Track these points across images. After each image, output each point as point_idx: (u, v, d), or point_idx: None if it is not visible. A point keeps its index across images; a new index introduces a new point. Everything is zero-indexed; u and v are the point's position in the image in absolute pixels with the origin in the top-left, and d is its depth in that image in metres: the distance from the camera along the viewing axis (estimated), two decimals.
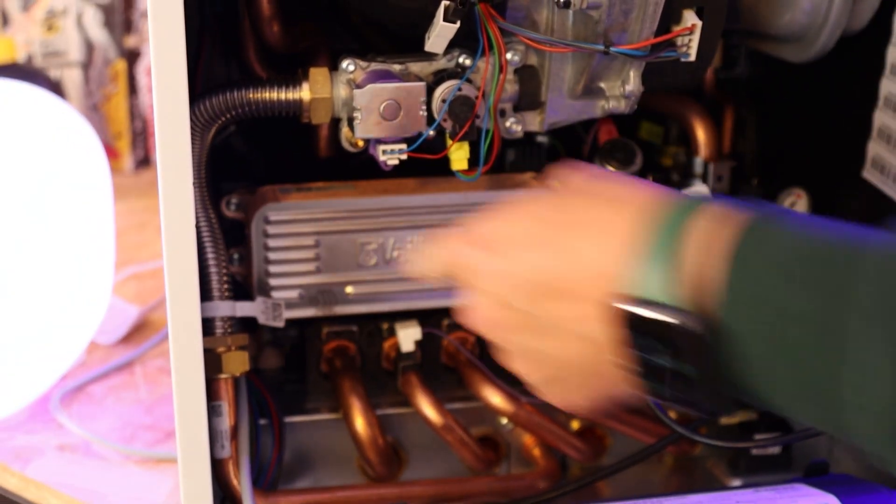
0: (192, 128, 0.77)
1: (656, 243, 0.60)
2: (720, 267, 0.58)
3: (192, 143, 0.78)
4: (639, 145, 1.02)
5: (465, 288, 0.71)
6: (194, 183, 0.77)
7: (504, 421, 1.03)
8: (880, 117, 0.95)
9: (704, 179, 1.04)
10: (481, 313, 0.70)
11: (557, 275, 0.65)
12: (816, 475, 0.89)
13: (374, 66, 0.85)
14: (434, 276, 0.76)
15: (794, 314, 0.55)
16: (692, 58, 0.84)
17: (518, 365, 0.70)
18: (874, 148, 0.97)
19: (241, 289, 0.97)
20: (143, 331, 1.29)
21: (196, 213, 0.79)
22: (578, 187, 0.69)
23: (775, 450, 1.03)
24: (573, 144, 1.05)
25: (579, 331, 0.64)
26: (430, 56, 0.84)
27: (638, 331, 0.61)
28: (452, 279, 0.72)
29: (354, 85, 0.83)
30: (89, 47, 1.65)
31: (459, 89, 0.83)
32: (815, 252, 0.56)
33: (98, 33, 1.65)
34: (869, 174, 0.97)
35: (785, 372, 0.56)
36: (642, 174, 1.03)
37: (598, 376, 0.66)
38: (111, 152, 1.64)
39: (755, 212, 0.60)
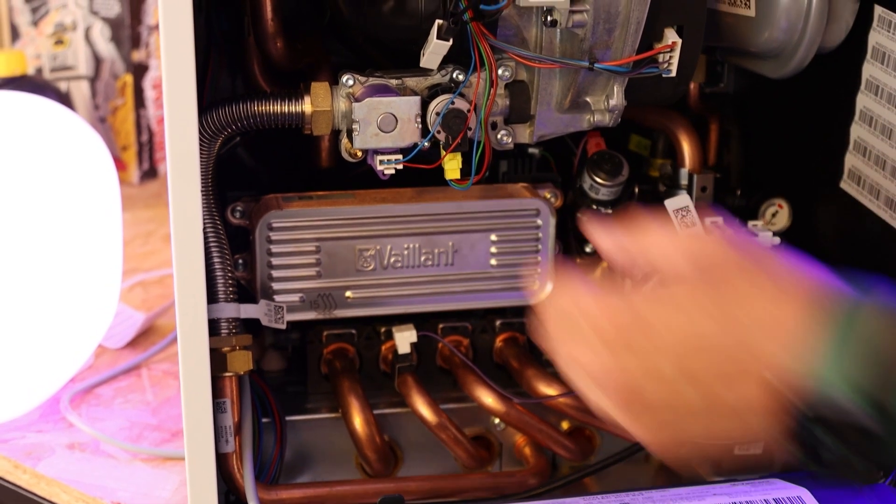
0: (199, 139, 0.79)
1: (833, 340, 0.60)
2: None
3: (200, 154, 0.80)
4: (628, 157, 1.05)
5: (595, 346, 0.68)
6: (202, 191, 0.80)
7: (496, 421, 1.04)
8: (856, 131, 0.98)
9: (689, 190, 1.05)
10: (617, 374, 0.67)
11: (726, 354, 0.64)
12: (791, 471, 0.92)
13: (372, 80, 0.87)
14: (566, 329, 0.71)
15: None
16: (673, 74, 0.87)
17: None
18: (851, 160, 0.99)
19: (246, 292, 0.98)
20: (149, 336, 1.30)
21: (203, 219, 0.81)
22: (733, 269, 0.67)
23: (757, 450, 1.05)
24: (563, 156, 1.07)
25: (735, 409, 0.64)
26: (425, 71, 0.86)
27: (809, 424, 0.61)
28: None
29: (353, 98, 0.86)
30: (97, 61, 1.66)
31: (452, 103, 0.85)
32: None
33: (106, 47, 1.66)
34: (846, 185, 1.00)
35: None
36: (629, 184, 1.06)
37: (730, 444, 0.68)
38: (118, 164, 1.64)
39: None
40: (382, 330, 1.04)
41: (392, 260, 1.00)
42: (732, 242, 0.69)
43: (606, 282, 0.71)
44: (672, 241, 0.70)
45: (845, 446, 0.61)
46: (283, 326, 0.96)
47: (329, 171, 1.03)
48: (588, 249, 1.05)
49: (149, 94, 1.69)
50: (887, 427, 0.59)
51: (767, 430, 0.63)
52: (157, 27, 1.67)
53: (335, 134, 0.89)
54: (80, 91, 1.67)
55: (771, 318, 0.63)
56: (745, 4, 0.93)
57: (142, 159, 1.72)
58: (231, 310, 0.89)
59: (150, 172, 1.73)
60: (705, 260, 0.68)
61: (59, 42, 1.66)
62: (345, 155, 0.90)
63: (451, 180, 0.88)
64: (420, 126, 0.86)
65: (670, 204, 1.00)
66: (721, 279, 0.66)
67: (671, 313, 0.65)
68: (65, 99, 1.61)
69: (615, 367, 0.67)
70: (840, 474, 0.63)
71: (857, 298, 0.62)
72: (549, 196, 1.02)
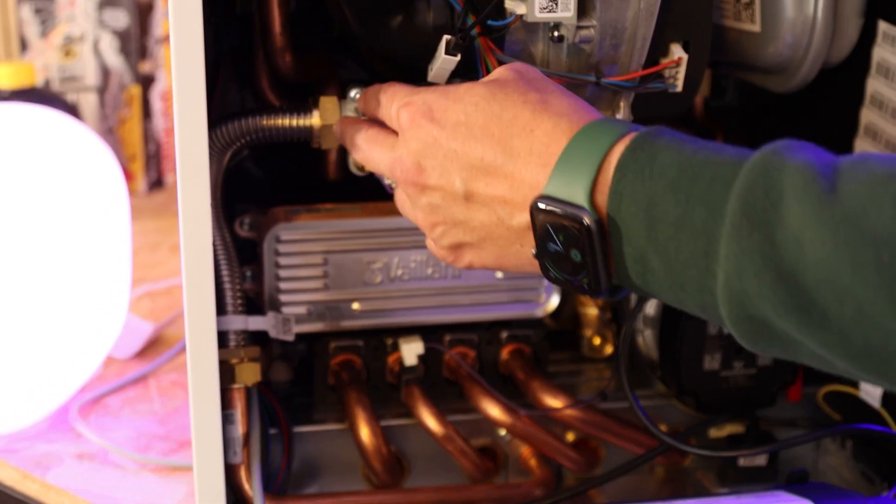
0: (209, 152, 0.80)
1: (581, 162, 0.69)
2: (613, 176, 0.67)
3: (209, 167, 0.81)
4: None
5: (401, 143, 0.77)
6: (211, 204, 0.80)
7: (502, 432, 1.05)
8: (860, 145, 0.99)
9: None
10: (414, 167, 0.76)
11: (498, 166, 0.72)
12: (796, 483, 0.93)
13: None
14: (370, 114, 0.83)
15: (670, 219, 0.64)
16: (679, 88, 0.88)
17: (429, 222, 0.77)
18: None
19: (254, 304, 0.99)
20: (156, 346, 1.30)
21: (212, 232, 0.82)
22: (532, 83, 0.75)
23: (762, 461, 1.06)
24: None
25: (501, 212, 0.73)
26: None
27: (542, 222, 0.70)
28: (388, 125, 0.80)
29: (361, 113, 0.86)
30: (105, 72, 1.67)
31: None
32: (696, 168, 0.64)
33: (114, 59, 1.67)
34: None
35: (659, 264, 0.65)
36: None
37: (504, 252, 0.75)
38: (125, 174, 1.65)
39: (649, 129, 0.69)
40: (389, 341, 1.04)
41: (399, 272, 1.01)
42: (525, 77, 0.76)
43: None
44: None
45: (565, 241, 0.69)
46: (291, 338, 0.97)
47: (336, 183, 1.04)
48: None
49: (156, 105, 1.70)
50: (594, 221, 0.67)
51: (522, 231, 0.73)
52: (164, 39, 1.68)
53: (343, 147, 0.89)
54: (89, 102, 1.68)
55: (543, 147, 0.71)
56: (751, 20, 0.94)
57: (149, 170, 1.72)
58: (239, 322, 0.90)
59: (158, 183, 1.74)
60: (498, 80, 0.76)
61: (68, 54, 1.67)
62: (352, 168, 0.91)
63: None
64: None
65: None
66: (506, 101, 0.74)
67: (458, 120, 0.74)
68: (73, 110, 1.62)
69: (404, 159, 0.77)
70: (567, 277, 0.71)
71: (616, 129, 0.69)
72: None
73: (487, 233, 0.75)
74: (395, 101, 0.80)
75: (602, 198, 0.68)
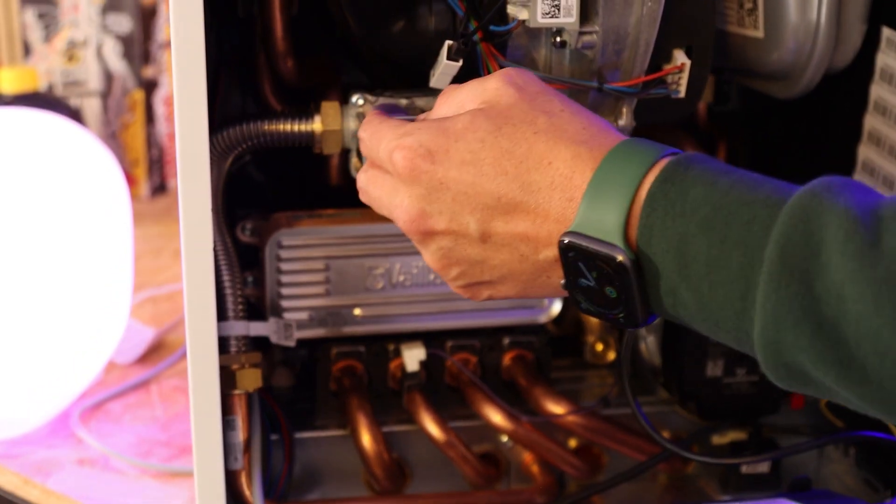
0: (210, 157, 0.80)
1: (611, 196, 0.65)
2: (643, 209, 0.64)
3: (211, 172, 0.80)
4: None
5: (402, 189, 0.72)
6: (212, 209, 0.80)
7: (504, 438, 1.05)
8: (864, 152, 0.98)
9: None
10: (420, 215, 0.71)
11: (518, 203, 0.69)
12: (799, 490, 0.92)
13: (382, 100, 0.87)
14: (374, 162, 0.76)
15: (703, 259, 0.62)
16: (682, 94, 0.87)
17: (444, 267, 0.73)
18: (859, 180, 1.00)
19: (255, 310, 0.99)
20: (158, 351, 1.30)
21: (213, 237, 0.81)
22: (537, 102, 0.71)
23: (765, 468, 1.05)
24: None
25: (524, 249, 0.70)
26: (435, 91, 0.85)
27: (572, 259, 0.67)
28: (386, 172, 0.74)
29: (363, 118, 0.86)
30: (108, 77, 1.67)
31: None
32: (732, 207, 0.62)
33: (117, 64, 1.67)
34: None
35: (692, 300, 0.63)
36: None
37: (529, 285, 0.72)
38: (128, 179, 1.65)
39: (680, 158, 0.66)
40: (391, 347, 1.04)
41: (401, 278, 1.01)
42: (527, 94, 0.72)
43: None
44: (465, 90, 0.74)
45: (599, 277, 0.66)
46: (293, 344, 0.97)
47: (338, 189, 1.03)
48: None
49: (159, 110, 1.70)
50: (627, 258, 0.65)
51: (550, 266, 0.70)
52: (168, 44, 1.68)
53: (345, 153, 0.90)
54: (92, 107, 1.68)
55: (565, 180, 0.67)
56: (754, 25, 0.94)
57: (152, 175, 1.72)
58: (240, 327, 0.90)
59: (161, 188, 1.74)
60: (499, 105, 0.71)
61: (71, 58, 1.67)
62: (354, 174, 0.90)
63: None
64: None
65: None
66: (516, 134, 0.69)
67: (465, 160, 0.70)
68: (76, 115, 1.62)
69: (406, 204, 0.72)
70: (600, 310, 0.68)
71: (643, 156, 0.66)
72: None
73: (509, 270, 0.71)
74: (382, 142, 0.74)
75: (633, 231, 0.65)
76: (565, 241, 0.66)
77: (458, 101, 0.74)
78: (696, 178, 0.64)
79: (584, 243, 0.66)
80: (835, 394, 0.61)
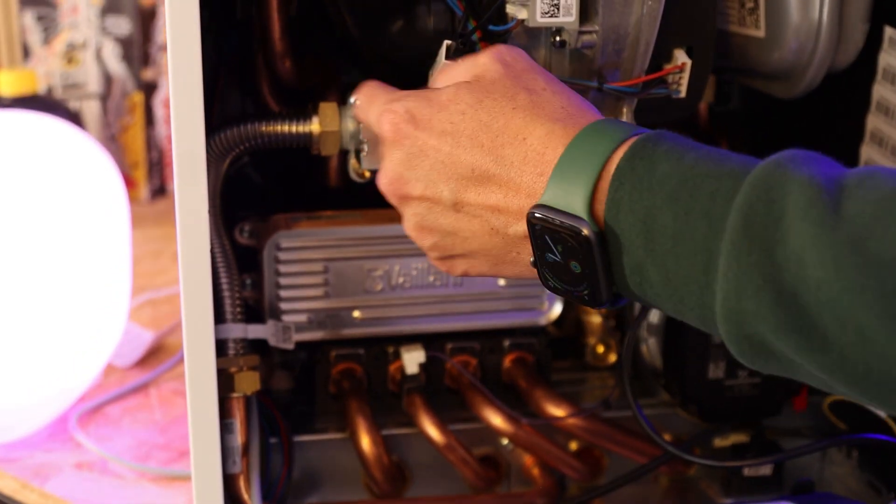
0: (207, 159, 0.79)
1: (578, 170, 0.66)
2: (611, 184, 0.65)
3: (208, 174, 0.80)
4: None
5: (390, 151, 0.75)
6: (209, 211, 0.79)
7: (505, 441, 1.04)
8: (867, 152, 0.98)
9: None
10: (398, 179, 0.75)
11: (491, 175, 0.71)
12: (802, 493, 0.92)
13: None
14: (364, 122, 0.81)
15: (669, 233, 0.62)
16: (682, 94, 0.87)
17: (419, 234, 0.76)
18: None
19: (253, 312, 0.99)
20: (157, 355, 1.30)
21: (211, 239, 0.81)
22: (521, 79, 0.73)
23: (767, 471, 1.05)
24: None
25: (495, 222, 0.72)
26: None
27: (539, 232, 0.68)
28: (375, 134, 0.77)
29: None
30: (108, 79, 1.67)
31: None
32: (697, 180, 0.62)
33: (116, 66, 1.67)
34: None
35: (657, 276, 0.64)
36: None
37: (499, 261, 0.73)
38: (128, 182, 1.66)
39: (649, 135, 0.67)
40: (391, 350, 1.04)
41: (400, 280, 1.00)
42: (513, 71, 0.74)
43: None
44: (460, 64, 0.76)
45: (564, 252, 0.67)
46: (291, 346, 0.96)
47: (337, 190, 1.03)
48: None
49: (159, 112, 1.70)
50: (592, 232, 0.65)
51: (519, 240, 0.71)
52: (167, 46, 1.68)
53: (343, 154, 0.90)
54: (91, 109, 1.68)
55: (537, 156, 0.69)
56: (755, 25, 0.93)
57: (152, 177, 1.72)
58: (238, 330, 0.89)
59: (161, 190, 1.74)
60: (484, 79, 0.73)
61: (71, 61, 1.67)
62: (353, 175, 0.90)
63: None
64: None
65: None
66: (495, 108, 0.71)
67: (445, 129, 0.72)
68: (75, 117, 1.62)
69: (393, 169, 0.75)
70: (566, 287, 0.69)
71: (614, 133, 0.67)
72: None
73: (480, 244, 0.73)
74: (373, 104, 0.78)
75: (600, 207, 0.66)
76: (534, 214, 0.68)
77: (451, 74, 0.76)
78: (664, 154, 0.65)
79: (550, 216, 0.67)
80: (797, 368, 0.61)
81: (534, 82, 0.73)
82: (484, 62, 0.74)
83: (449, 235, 0.74)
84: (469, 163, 0.71)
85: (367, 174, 0.89)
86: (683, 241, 0.62)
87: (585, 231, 0.65)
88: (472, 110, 0.72)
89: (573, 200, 0.66)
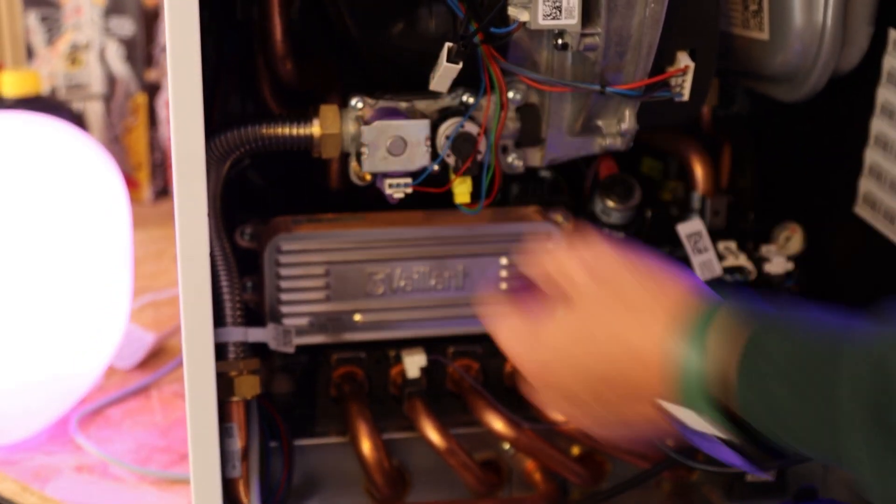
0: (207, 161, 0.79)
1: (687, 349, 0.67)
2: (734, 377, 0.66)
3: (208, 176, 0.80)
4: (640, 180, 1.04)
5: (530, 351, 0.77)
6: (209, 213, 0.79)
7: (506, 446, 1.04)
8: (871, 155, 0.98)
9: (702, 214, 1.05)
10: (548, 375, 0.76)
11: (614, 383, 0.72)
12: (805, 499, 0.91)
13: (382, 103, 0.87)
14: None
15: (792, 410, 0.64)
16: (685, 97, 0.87)
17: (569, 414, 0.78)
18: (865, 185, 0.99)
19: (254, 315, 0.98)
20: (159, 357, 1.30)
21: (211, 242, 0.81)
22: (610, 282, 0.74)
23: (770, 477, 1.05)
24: (575, 179, 1.06)
25: (634, 410, 0.73)
26: (435, 94, 0.86)
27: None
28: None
29: (362, 121, 0.86)
30: (111, 81, 1.67)
31: (462, 126, 0.85)
32: (803, 358, 0.63)
33: (120, 67, 1.67)
34: (861, 210, 0.99)
35: (796, 443, 0.67)
36: (641, 208, 1.05)
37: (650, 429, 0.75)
38: (131, 183, 1.66)
39: (758, 321, 0.66)
40: (392, 354, 1.03)
41: (402, 283, 1.00)
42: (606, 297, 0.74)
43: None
44: (568, 258, 0.76)
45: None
46: (292, 350, 0.96)
47: (338, 193, 1.03)
48: None
49: (162, 113, 1.70)
50: (735, 432, 0.68)
51: (667, 433, 0.74)
52: None
53: (344, 157, 0.89)
54: (95, 110, 1.68)
55: (642, 349, 0.70)
56: (759, 27, 0.93)
57: (155, 178, 1.72)
58: (238, 334, 0.89)
59: (164, 191, 1.74)
60: (597, 277, 0.74)
61: (74, 62, 1.67)
62: (354, 178, 0.90)
63: (461, 204, 0.88)
64: (430, 149, 0.86)
65: (682, 229, 1.00)
66: (597, 308, 0.73)
67: (566, 350, 0.74)
68: (79, 118, 1.62)
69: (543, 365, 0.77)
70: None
71: (709, 308, 0.68)
72: (560, 220, 1.01)
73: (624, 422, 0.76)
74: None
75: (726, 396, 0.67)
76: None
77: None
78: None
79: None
80: None
81: (622, 312, 0.74)
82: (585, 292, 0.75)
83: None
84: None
85: (368, 177, 0.88)
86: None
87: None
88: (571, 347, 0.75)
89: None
